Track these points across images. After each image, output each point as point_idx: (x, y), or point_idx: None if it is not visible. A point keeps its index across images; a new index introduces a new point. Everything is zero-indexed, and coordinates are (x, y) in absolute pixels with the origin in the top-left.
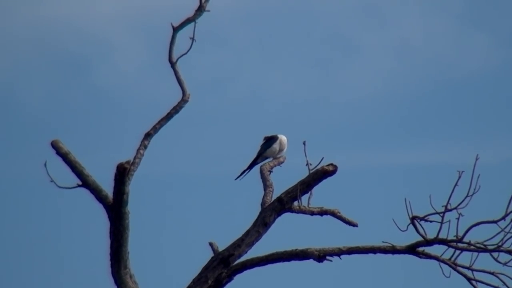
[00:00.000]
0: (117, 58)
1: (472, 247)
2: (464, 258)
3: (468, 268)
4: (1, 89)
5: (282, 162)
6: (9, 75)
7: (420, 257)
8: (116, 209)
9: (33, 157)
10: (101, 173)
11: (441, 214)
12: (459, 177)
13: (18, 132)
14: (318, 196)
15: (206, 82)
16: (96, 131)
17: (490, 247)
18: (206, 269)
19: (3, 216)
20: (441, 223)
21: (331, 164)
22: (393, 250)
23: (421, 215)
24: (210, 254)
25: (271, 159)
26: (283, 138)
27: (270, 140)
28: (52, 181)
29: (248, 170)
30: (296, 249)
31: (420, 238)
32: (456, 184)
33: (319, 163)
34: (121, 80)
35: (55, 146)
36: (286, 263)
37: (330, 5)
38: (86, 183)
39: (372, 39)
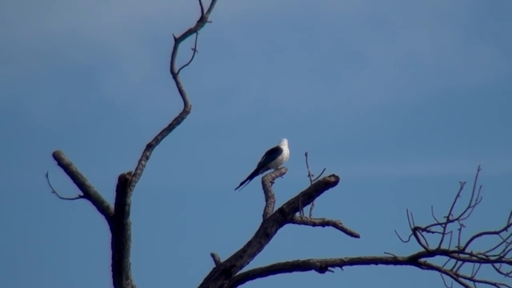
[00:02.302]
0: (124, 69)
1: (474, 258)
2: (466, 269)
3: (470, 279)
4: (9, 100)
5: (283, 173)
6: (17, 86)
7: (422, 268)
8: (117, 220)
9: (36, 167)
10: (103, 184)
11: (443, 225)
12: (461, 188)
13: (24, 143)
14: (320, 207)
15: (212, 92)
16: (100, 142)
17: (492, 258)
18: (208, 280)
19: (4, 226)
20: (443, 234)
21: (333, 175)
22: (395, 261)
23: (423, 226)
24: (212, 265)
25: (272, 170)
26: (286, 150)
27: (274, 152)
28: (53, 192)
29: (249, 180)
30: (298, 260)
31: (422, 249)
32: (458, 195)
33: (321, 174)
34: (127, 90)
35: (56, 157)
36: (288, 274)
37: (337, 16)
38: (87, 194)
39: (378, 50)
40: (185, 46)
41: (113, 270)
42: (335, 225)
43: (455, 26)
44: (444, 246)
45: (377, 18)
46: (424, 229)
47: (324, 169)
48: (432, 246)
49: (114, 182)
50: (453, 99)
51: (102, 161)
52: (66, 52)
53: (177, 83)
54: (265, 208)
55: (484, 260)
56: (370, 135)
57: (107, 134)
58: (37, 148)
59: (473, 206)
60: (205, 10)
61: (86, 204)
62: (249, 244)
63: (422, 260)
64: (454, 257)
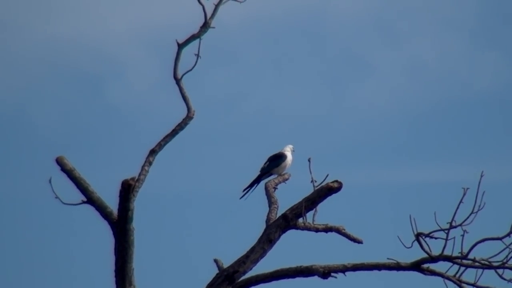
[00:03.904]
0: (130, 76)
1: (477, 263)
2: (469, 275)
3: (473, 285)
4: (15, 107)
5: (287, 179)
6: (22, 93)
7: (425, 274)
8: (121, 226)
9: (40, 173)
10: (106, 190)
11: (446, 231)
12: (464, 194)
13: (29, 149)
14: (323, 213)
15: (219, 98)
16: (103, 148)
17: (495, 264)
18: (211, 286)
19: (8, 231)
20: (446, 239)
21: (336, 181)
22: (398, 267)
23: (426, 232)
24: (215, 271)
25: (276, 176)
26: (289, 156)
27: (278, 158)
28: (57, 197)
29: (256, 185)
30: (301, 266)
31: (425, 255)
32: (461, 201)
33: (324, 179)
34: (133, 98)
35: (60, 162)
36: (291, 280)
37: (343, 23)
38: (91, 199)
39: (384, 57)
40: (192, 52)
41: (116, 276)
42: (338, 231)
43: (461, 33)
44: (447, 252)
45: (383, 25)
46: (427, 235)
47: (327, 175)
48: (435, 252)
49: (118, 187)
50: (458, 105)
51: (105, 166)
52: (72, 59)
53: (180, 89)
54: (268, 213)
55: (487, 266)
56: (373, 141)
57: (111, 140)
58: (41, 154)
59: (476, 212)
60: (208, 16)
61: (89, 209)
62: (252, 249)
63: (425, 266)
64: (457, 263)
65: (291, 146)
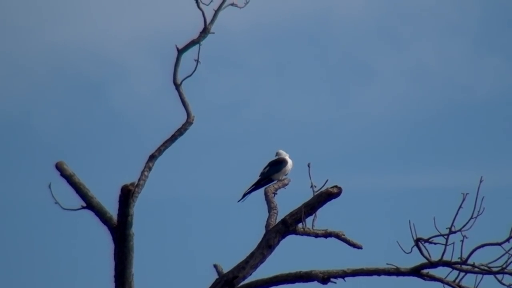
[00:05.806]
0: (131, 81)
1: (476, 269)
2: (469, 280)
3: None
4: (18, 112)
5: (286, 184)
6: (26, 98)
7: (425, 279)
8: (120, 231)
9: (40, 178)
10: (106, 195)
11: (446, 236)
12: (463, 199)
13: (31, 154)
14: (322, 218)
15: (222, 104)
16: (104, 153)
17: (494, 269)
18: None
19: (7, 237)
20: (446, 245)
21: (336, 186)
22: (397, 272)
23: (426, 237)
24: (214, 276)
25: (275, 181)
26: (290, 161)
27: (280, 164)
28: (56, 202)
29: (252, 191)
30: (300, 271)
31: (424, 260)
32: (460, 206)
33: (324, 185)
34: (134, 103)
35: (59, 167)
36: (290, 285)
37: (345, 29)
38: (90, 205)
39: (387, 62)
40: (194, 58)
41: (115, 281)
42: (337, 236)
43: (463, 38)
44: (446, 258)
45: (385, 30)
46: (427, 241)
47: (327, 180)
48: (435, 258)
49: (117, 193)
50: (459, 110)
51: (105, 171)
52: (74, 64)
53: (180, 94)
54: (268, 219)
55: (486, 271)
56: (374, 146)
57: (111, 145)
58: (42, 158)
59: (476, 217)
60: (208, 22)
61: (89, 215)
62: (252, 255)
63: (425, 271)
64: (456, 269)
65: (282, 151)
